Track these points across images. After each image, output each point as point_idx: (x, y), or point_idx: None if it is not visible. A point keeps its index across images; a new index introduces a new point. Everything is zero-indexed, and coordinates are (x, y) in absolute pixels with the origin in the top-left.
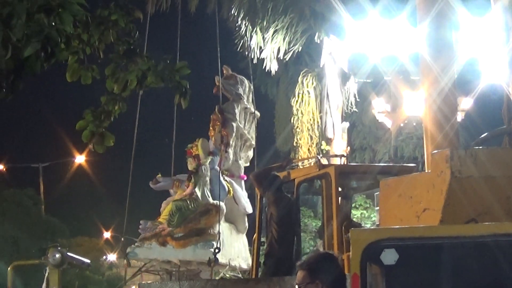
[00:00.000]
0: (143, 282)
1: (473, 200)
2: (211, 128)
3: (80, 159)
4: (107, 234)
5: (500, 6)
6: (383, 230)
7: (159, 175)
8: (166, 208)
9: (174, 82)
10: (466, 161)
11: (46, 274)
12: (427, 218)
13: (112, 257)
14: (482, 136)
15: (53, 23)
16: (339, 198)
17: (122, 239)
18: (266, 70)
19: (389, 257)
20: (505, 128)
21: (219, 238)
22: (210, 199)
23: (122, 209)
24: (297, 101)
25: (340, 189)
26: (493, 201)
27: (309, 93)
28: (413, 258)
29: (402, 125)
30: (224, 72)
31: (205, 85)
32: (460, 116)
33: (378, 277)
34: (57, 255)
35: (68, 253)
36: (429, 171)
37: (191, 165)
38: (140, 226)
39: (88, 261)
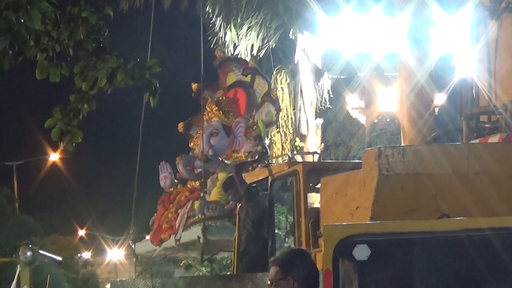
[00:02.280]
0: (116, 280)
1: (401, 197)
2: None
3: (54, 157)
4: (81, 232)
5: (471, 3)
6: (356, 226)
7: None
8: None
9: (144, 80)
10: (394, 159)
11: (17, 272)
12: (359, 216)
13: (86, 255)
14: (434, 134)
15: (22, 20)
16: (307, 195)
17: (131, 231)
18: None
19: (362, 252)
20: (456, 124)
21: None
22: None
23: (96, 206)
24: None
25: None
26: (421, 198)
27: (283, 90)
28: (385, 254)
29: (375, 121)
30: (219, 55)
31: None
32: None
33: (351, 273)
34: (28, 253)
35: (40, 251)
36: (361, 169)
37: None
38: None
39: (60, 258)
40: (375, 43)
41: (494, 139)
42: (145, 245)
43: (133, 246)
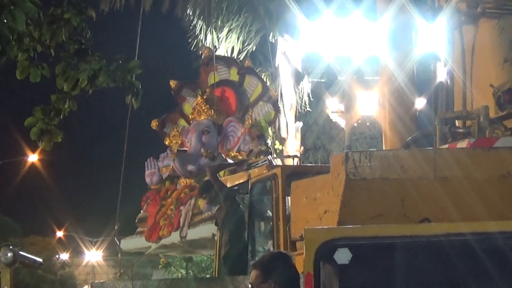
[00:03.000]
0: (96, 281)
1: (368, 202)
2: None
3: (33, 158)
4: (60, 233)
5: (446, 9)
6: (337, 230)
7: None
8: None
9: (126, 82)
10: (361, 163)
11: None
12: (327, 220)
13: (65, 256)
14: (411, 137)
15: (5, 21)
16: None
17: (116, 227)
18: None
19: (343, 256)
20: (430, 129)
21: None
22: None
23: (74, 208)
24: None
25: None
26: (388, 203)
27: None
28: (367, 258)
29: (355, 124)
30: (206, 53)
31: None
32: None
33: (332, 277)
34: (9, 254)
35: (20, 252)
36: (329, 173)
37: (256, 146)
38: None
39: (40, 260)
40: (356, 47)
41: (462, 144)
42: (135, 242)
43: (118, 243)
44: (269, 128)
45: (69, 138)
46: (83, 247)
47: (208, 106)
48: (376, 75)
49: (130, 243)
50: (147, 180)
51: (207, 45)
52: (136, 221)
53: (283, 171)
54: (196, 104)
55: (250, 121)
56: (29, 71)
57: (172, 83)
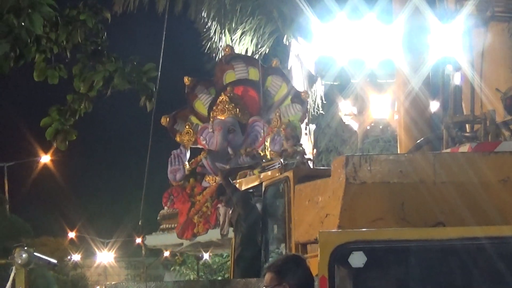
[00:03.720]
0: (109, 282)
1: (368, 205)
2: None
3: (45, 158)
4: (71, 234)
5: (463, 13)
6: (352, 233)
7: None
8: None
9: (140, 84)
10: (361, 167)
11: (12, 274)
12: (329, 224)
13: (76, 257)
14: (422, 138)
15: (23, 24)
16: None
17: (140, 222)
18: None
19: (357, 259)
20: (437, 133)
21: None
22: None
23: (86, 209)
24: None
25: None
26: (388, 207)
27: None
28: (381, 261)
29: (368, 128)
30: (228, 51)
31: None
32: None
33: (346, 280)
34: (24, 255)
35: (35, 253)
36: (331, 177)
37: (291, 147)
38: None
39: (55, 261)
40: (369, 49)
41: (464, 148)
42: (162, 238)
43: (140, 239)
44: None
45: (81, 139)
46: (95, 248)
47: (233, 104)
48: (389, 78)
49: (156, 240)
50: (170, 176)
51: (221, 47)
52: (159, 218)
53: (295, 174)
54: (219, 102)
55: (279, 122)
56: (47, 73)
57: (187, 80)
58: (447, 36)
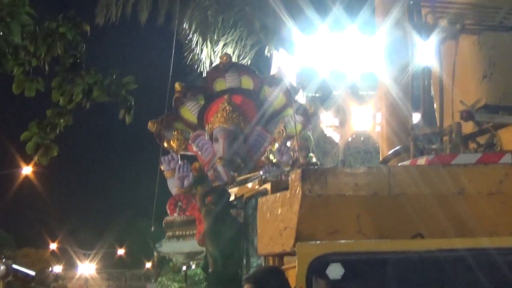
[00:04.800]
0: None
1: (324, 218)
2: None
3: (27, 170)
4: (53, 246)
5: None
6: (330, 244)
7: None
8: None
9: (120, 97)
10: (317, 180)
11: None
12: (287, 236)
13: (58, 268)
14: (387, 154)
15: (1, 33)
16: None
17: (152, 228)
18: None
19: (335, 271)
20: (403, 146)
21: None
22: None
23: (68, 220)
24: None
25: None
26: (344, 219)
27: None
28: (359, 273)
29: (350, 139)
30: (225, 59)
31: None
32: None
33: None
34: (2, 267)
35: (13, 266)
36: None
37: (304, 158)
38: None
39: (33, 273)
40: (351, 61)
41: (421, 161)
42: (178, 245)
43: (152, 245)
44: (290, 141)
45: (63, 150)
46: (77, 260)
47: (237, 113)
48: (370, 90)
49: (170, 246)
50: (177, 183)
51: (203, 59)
52: (164, 225)
53: (273, 186)
54: (222, 110)
55: (285, 132)
56: (25, 85)
57: (178, 86)
58: (424, 48)
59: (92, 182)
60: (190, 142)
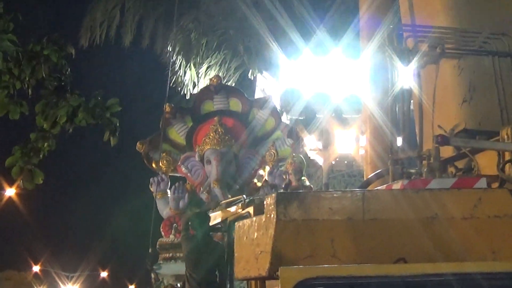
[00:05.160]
0: None
1: (299, 243)
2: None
3: (10, 192)
4: (36, 268)
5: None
6: (313, 269)
7: None
8: None
9: (104, 119)
10: (291, 204)
11: None
12: (262, 261)
13: None
14: (368, 177)
15: None
16: None
17: (150, 250)
18: None
19: None
20: (386, 169)
21: None
22: None
23: (51, 242)
24: None
25: None
26: (318, 244)
27: None
28: None
29: (333, 162)
30: (215, 81)
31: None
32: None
33: None
34: None
35: None
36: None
37: (297, 181)
38: None
39: None
40: (334, 84)
41: (397, 185)
42: (177, 267)
43: (150, 267)
44: (282, 163)
45: (46, 172)
46: (60, 282)
47: (229, 135)
48: (354, 113)
49: (169, 268)
50: (172, 204)
51: (186, 81)
52: (158, 247)
53: (256, 209)
54: (214, 132)
55: (276, 155)
56: (9, 108)
57: (168, 107)
58: (405, 72)
59: (75, 204)
60: (179, 163)
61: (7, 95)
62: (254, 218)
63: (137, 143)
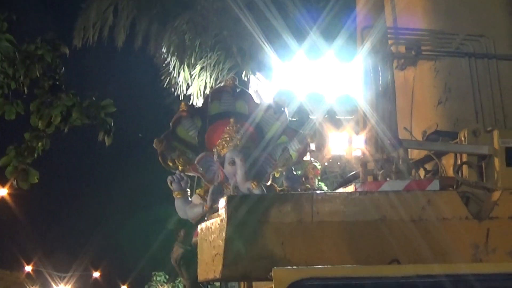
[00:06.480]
0: None
1: (250, 245)
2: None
3: (1, 192)
4: (28, 268)
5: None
6: (306, 270)
7: None
8: None
9: (99, 120)
10: (241, 207)
11: None
12: (217, 262)
13: None
14: (345, 177)
15: None
16: None
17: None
18: None
19: None
20: (356, 172)
21: None
22: None
23: (43, 242)
24: None
25: None
26: (269, 246)
27: None
28: None
29: (326, 164)
30: (230, 82)
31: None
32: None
33: None
34: None
35: None
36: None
37: (313, 185)
38: None
39: None
40: (328, 85)
41: (350, 188)
42: None
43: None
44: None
45: (39, 171)
46: (52, 282)
47: (248, 137)
48: (347, 114)
49: None
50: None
51: (180, 82)
52: (193, 246)
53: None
54: (235, 133)
55: (291, 159)
56: (4, 108)
57: (183, 106)
58: (388, 75)
59: (67, 204)
60: (196, 162)
61: (2, 95)
62: (212, 221)
63: (155, 141)
